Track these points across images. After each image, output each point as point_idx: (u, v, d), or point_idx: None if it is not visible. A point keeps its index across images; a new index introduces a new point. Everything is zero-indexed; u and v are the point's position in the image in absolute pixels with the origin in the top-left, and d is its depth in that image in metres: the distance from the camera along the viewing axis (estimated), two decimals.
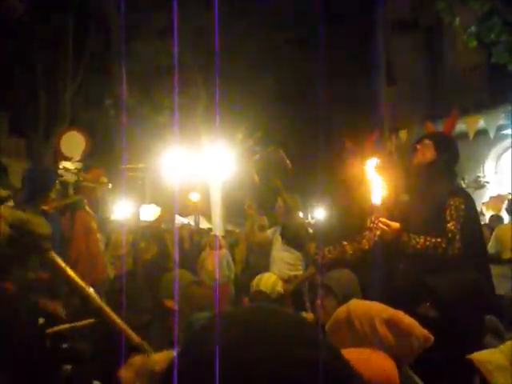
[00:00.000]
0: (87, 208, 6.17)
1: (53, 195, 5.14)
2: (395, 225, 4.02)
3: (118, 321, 2.25)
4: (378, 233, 4.18)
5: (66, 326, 2.66)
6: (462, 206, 4.06)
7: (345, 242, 4.61)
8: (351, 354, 1.47)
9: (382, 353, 1.94)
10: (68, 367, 2.69)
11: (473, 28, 9.88)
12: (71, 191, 6.50)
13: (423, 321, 2.83)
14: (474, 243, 4.12)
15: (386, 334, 2.08)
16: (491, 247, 8.02)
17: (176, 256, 7.67)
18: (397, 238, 4.02)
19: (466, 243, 4.00)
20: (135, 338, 2.18)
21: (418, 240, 3.99)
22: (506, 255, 7.98)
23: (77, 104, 15.52)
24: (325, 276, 3.72)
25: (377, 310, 2.20)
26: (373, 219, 4.51)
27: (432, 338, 2.18)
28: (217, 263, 9.91)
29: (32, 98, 16.28)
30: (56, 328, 2.64)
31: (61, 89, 15.68)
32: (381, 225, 4.02)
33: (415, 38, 18.51)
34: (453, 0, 9.55)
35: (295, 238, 6.89)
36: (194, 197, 15.74)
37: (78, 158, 8.59)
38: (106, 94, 13.84)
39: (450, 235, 3.96)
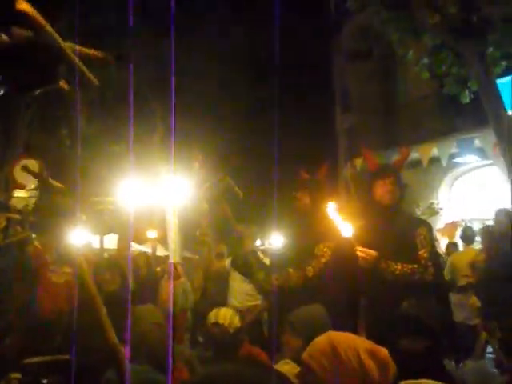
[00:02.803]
0: (36, 243, 6.03)
1: None
2: (373, 252, 4.07)
3: None
4: (324, 260, 4.27)
5: (46, 358, 2.60)
6: (428, 236, 4.23)
7: (290, 270, 4.66)
8: None
9: None
10: None
11: (425, 60, 10.15)
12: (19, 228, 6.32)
13: (408, 353, 2.86)
14: (436, 271, 4.25)
15: (370, 364, 2.09)
16: (446, 274, 8.15)
17: (131, 286, 7.55)
18: (375, 265, 4.07)
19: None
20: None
21: (395, 267, 4.09)
22: (461, 282, 8.12)
23: (32, 132, 15.20)
24: (291, 313, 3.71)
25: (357, 340, 2.22)
26: (321, 247, 4.59)
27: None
28: (171, 293, 9.79)
29: None
30: (34, 360, 2.58)
31: (14, 116, 15.35)
32: (359, 253, 4.05)
33: (370, 68, 18.84)
34: (405, 32, 9.78)
35: (244, 266, 6.88)
36: (150, 224, 15.61)
37: (32, 185, 8.42)
38: (61, 123, 13.69)
39: (423, 262, 4.09)
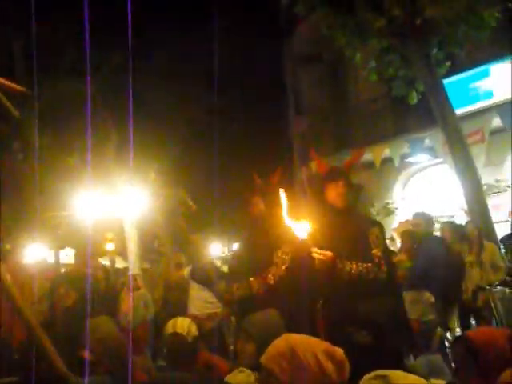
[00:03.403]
0: None
1: None
2: (329, 253, 4.14)
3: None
4: (283, 267, 4.32)
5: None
6: (381, 235, 4.34)
7: (251, 278, 4.67)
8: None
9: None
10: None
11: (373, 63, 10.36)
12: None
13: (358, 348, 2.95)
14: (389, 270, 4.35)
15: (327, 365, 2.15)
16: None
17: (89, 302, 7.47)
18: (332, 265, 4.15)
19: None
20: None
21: (351, 266, 4.17)
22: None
23: None
24: (245, 319, 3.73)
25: (314, 342, 2.27)
26: (279, 254, 4.63)
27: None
28: (131, 305, 9.72)
29: None
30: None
31: None
32: (315, 254, 4.11)
33: (321, 71, 19.04)
34: (352, 36, 9.95)
35: (204, 277, 6.89)
36: (108, 237, 15.49)
37: None
38: (13, 137, 13.50)
39: (377, 260, 4.19)
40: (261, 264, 4.73)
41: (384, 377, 1.94)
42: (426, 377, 3.23)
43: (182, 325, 4.28)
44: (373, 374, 2.02)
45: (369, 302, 3.44)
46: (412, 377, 2.00)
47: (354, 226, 4.41)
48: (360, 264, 4.19)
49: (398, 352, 3.19)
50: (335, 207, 4.43)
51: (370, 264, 4.21)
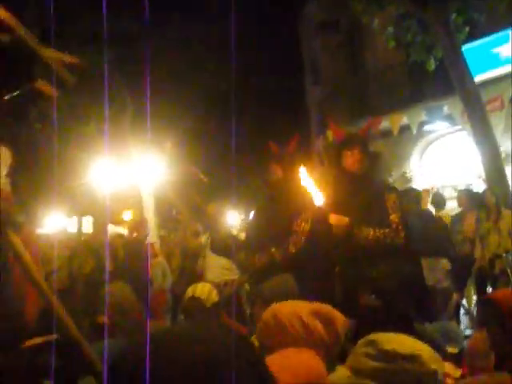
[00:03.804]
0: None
1: None
2: (346, 219, 4.16)
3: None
4: (304, 235, 4.32)
5: (40, 339, 2.63)
6: (398, 201, 4.33)
7: (273, 249, 4.67)
8: (275, 361, 1.55)
9: (306, 351, 2.02)
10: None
11: (390, 29, 10.22)
12: None
13: (368, 311, 2.98)
14: (407, 236, 4.36)
15: (315, 325, 2.17)
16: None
17: (109, 267, 7.57)
18: (348, 231, 4.17)
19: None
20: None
21: (368, 231, 4.17)
22: None
23: None
24: (261, 284, 3.76)
25: (300, 306, 2.30)
26: (299, 222, 4.63)
27: (347, 321, 2.31)
28: (150, 272, 9.81)
29: None
30: (32, 341, 2.61)
31: None
32: (332, 220, 4.13)
33: (338, 38, 18.85)
34: (369, 2, 9.82)
35: (223, 248, 6.91)
36: (126, 205, 15.57)
37: (4, 172, 8.36)
38: (30, 107, 13.52)
39: (394, 226, 4.19)
40: (280, 232, 4.74)
41: (372, 342, 1.95)
42: (441, 343, 3.26)
43: (203, 290, 4.31)
44: (363, 339, 2.03)
45: (382, 266, 3.45)
46: (408, 341, 1.97)
47: (371, 192, 4.41)
48: (377, 229, 4.20)
49: (408, 316, 3.21)
50: (352, 173, 4.42)
51: (387, 229, 4.21)
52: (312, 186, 4.12)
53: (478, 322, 2.87)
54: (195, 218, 9.65)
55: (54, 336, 2.65)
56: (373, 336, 1.99)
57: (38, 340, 2.76)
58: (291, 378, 1.75)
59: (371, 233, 4.19)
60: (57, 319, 2.59)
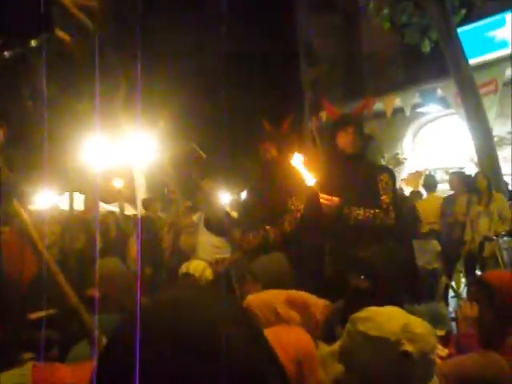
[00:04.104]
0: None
1: None
2: (336, 199, 4.16)
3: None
4: (299, 214, 4.30)
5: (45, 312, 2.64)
6: (390, 182, 4.33)
7: (267, 227, 4.68)
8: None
9: (296, 329, 2.04)
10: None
11: (386, 10, 10.18)
12: None
13: (356, 291, 3.00)
14: (398, 217, 4.37)
15: (289, 313, 2.17)
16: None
17: (98, 245, 7.55)
18: (339, 211, 4.16)
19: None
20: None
21: (358, 211, 4.18)
22: (424, 229, 8.34)
23: None
24: (252, 262, 3.77)
25: (272, 295, 2.29)
26: (293, 201, 4.63)
27: (328, 303, 2.31)
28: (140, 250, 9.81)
29: None
30: (39, 314, 2.62)
31: None
32: (322, 200, 4.13)
33: (333, 19, 18.76)
34: None
35: (217, 227, 6.90)
36: (118, 183, 15.53)
37: None
38: (22, 83, 13.43)
39: (385, 206, 4.19)
40: (274, 211, 4.75)
41: (352, 320, 1.93)
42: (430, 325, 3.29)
43: (197, 267, 4.31)
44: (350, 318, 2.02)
45: (371, 247, 3.46)
46: (389, 321, 1.92)
47: (364, 172, 4.41)
48: (367, 210, 4.20)
49: (397, 298, 3.23)
50: (345, 153, 4.42)
51: (377, 210, 4.22)
52: (303, 166, 4.11)
53: (468, 300, 2.88)
54: (188, 196, 9.64)
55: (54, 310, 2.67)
56: (355, 315, 1.96)
57: (41, 313, 2.77)
58: (281, 354, 1.76)
59: (361, 213, 4.20)
60: (57, 287, 2.60)
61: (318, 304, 2.27)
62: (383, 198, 4.27)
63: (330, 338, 2.40)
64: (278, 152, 4.89)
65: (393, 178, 4.50)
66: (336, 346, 1.98)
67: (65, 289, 2.44)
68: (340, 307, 3.25)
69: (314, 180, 4.06)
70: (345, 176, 4.38)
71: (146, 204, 9.66)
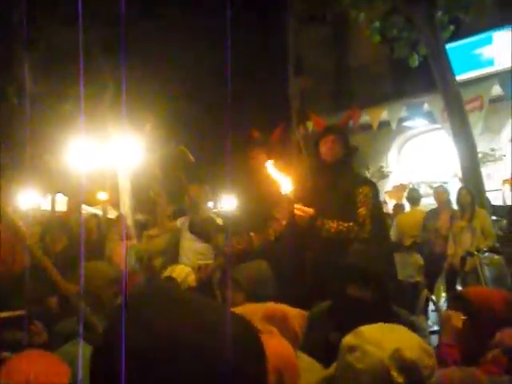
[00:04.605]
0: None
1: None
2: (310, 210, 4.12)
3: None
4: (292, 219, 4.27)
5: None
6: (370, 194, 4.28)
7: (252, 233, 4.66)
8: None
9: (276, 337, 2.01)
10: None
11: (377, 24, 10.24)
12: None
13: (353, 301, 2.96)
14: (379, 230, 4.33)
15: (268, 329, 2.14)
16: (393, 235, 8.37)
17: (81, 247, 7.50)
18: (311, 222, 4.13)
19: (374, 229, 4.21)
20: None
21: (331, 224, 4.13)
22: (407, 242, 8.37)
23: None
24: (235, 269, 3.75)
25: (250, 311, 2.26)
26: (279, 209, 4.61)
27: (304, 313, 2.29)
28: (123, 254, 9.75)
29: None
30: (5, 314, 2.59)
31: None
32: (296, 211, 4.10)
33: (323, 32, 18.84)
34: None
35: (202, 232, 6.87)
36: (102, 190, 15.47)
37: None
38: (8, 82, 13.33)
39: (361, 220, 4.16)
40: (260, 218, 4.73)
41: (342, 348, 1.90)
42: None
43: (180, 272, 4.28)
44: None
45: (351, 252, 3.43)
46: (378, 348, 1.89)
47: (343, 183, 4.35)
48: (341, 223, 4.15)
49: (392, 308, 3.22)
50: (325, 162, 4.38)
51: (351, 223, 4.16)
52: (282, 175, 4.07)
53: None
54: (172, 200, 9.59)
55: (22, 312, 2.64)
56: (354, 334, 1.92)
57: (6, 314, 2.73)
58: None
59: (334, 226, 4.14)
60: (49, 278, 2.61)
61: (297, 316, 2.25)
62: (360, 210, 4.20)
63: (309, 346, 2.39)
64: (267, 159, 4.89)
65: (375, 190, 4.43)
66: (331, 370, 1.96)
67: (55, 276, 2.43)
68: (324, 310, 3.23)
69: (290, 189, 4.03)
70: (324, 186, 4.34)
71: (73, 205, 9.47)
